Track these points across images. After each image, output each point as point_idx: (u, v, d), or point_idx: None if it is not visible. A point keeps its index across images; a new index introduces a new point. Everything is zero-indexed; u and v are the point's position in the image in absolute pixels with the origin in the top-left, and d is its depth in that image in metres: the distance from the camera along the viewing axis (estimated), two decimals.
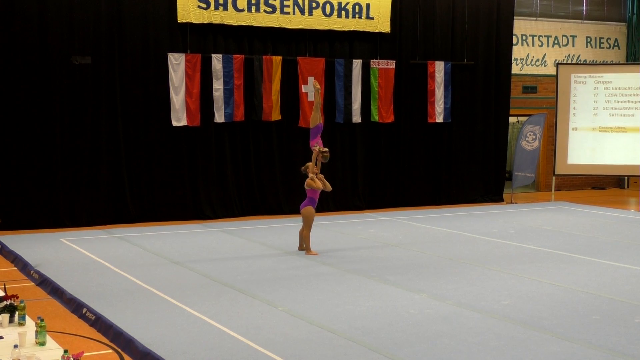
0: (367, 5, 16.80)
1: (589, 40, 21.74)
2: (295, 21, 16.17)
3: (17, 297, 7.09)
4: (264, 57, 15.98)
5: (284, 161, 16.50)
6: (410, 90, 17.68)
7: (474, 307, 8.71)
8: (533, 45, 20.98)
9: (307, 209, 11.69)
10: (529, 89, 20.96)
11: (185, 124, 15.40)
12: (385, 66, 17.17)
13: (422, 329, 7.82)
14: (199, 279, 10.18)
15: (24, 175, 14.30)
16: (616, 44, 22.13)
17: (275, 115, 16.19)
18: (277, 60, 16.08)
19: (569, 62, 21.09)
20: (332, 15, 16.51)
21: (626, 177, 21.86)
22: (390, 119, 17.34)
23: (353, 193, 17.24)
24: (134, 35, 15.03)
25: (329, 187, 11.94)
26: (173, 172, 15.49)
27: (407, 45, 17.58)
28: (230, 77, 15.66)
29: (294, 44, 16.46)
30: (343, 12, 16.60)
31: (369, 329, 7.81)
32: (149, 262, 11.31)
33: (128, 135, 15.08)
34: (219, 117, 15.69)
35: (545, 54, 21.13)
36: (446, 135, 18.12)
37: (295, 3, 16.12)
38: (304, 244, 11.88)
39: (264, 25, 15.91)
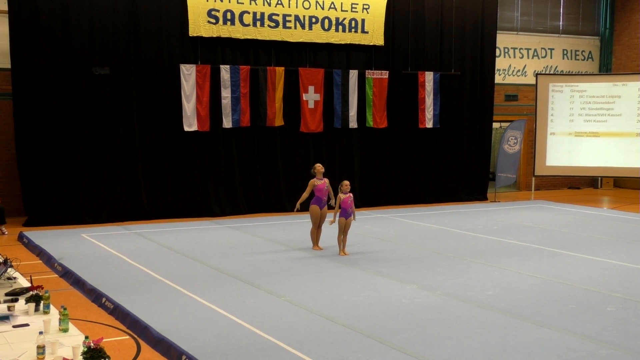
0: (363, 21, 16.80)
1: (565, 52, 21.75)
2: (296, 35, 16.17)
3: (42, 288, 7.10)
4: (268, 67, 15.97)
5: (286, 163, 16.49)
6: (403, 98, 17.67)
7: (460, 297, 8.70)
8: (514, 57, 20.98)
9: (311, 207, 11.60)
10: (511, 97, 20.96)
11: (196, 129, 15.39)
12: (380, 76, 17.16)
13: (414, 317, 7.81)
14: (209, 271, 10.17)
15: (48, 176, 14.29)
16: (590, 56, 22.14)
17: (279, 121, 16.18)
18: (280, 70, 16.07)
19: (547, 72, 21.10)
20: (330, 30, 16.50)
21: (599, 178, 21.87)
22: (384, 124, 17.33)
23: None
24: (149, 48, 15.02)
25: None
26: (185, 173, 15.48)
27: (400, 57, 17.57)
28: (237, 86, 15.65)
29: (296, 55, 16.45)
30: (340, 27, 16.59)
31: (364, 317, 7.80)
32: (162, 255, 11.29)
33: (144, 139, 15.07)
34: (227, 123, 15.68)
35: (525, 65, 21.13)
36: (435, 139, 18.11)
37: (297, 18, 16.12)
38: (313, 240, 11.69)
39: (268, 38, 15.91)
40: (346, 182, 11.27)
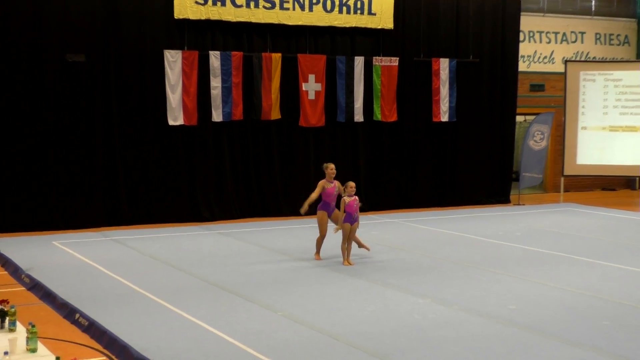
0: (369, 1, 16.79)
1: (598, 36, 21.72)
2: (295, 17, 16.16)
3: (8, 302, 7.07)
4: (263, 54, 15.97)
5: (283, 161, 16.49)
6: (414, 88, 17.66)
7: (479, 311, 8.68)
8: (540, 41, 20.95)
9: (319, 213, 11.59)
10: (537, 87, 20.93)
11: (182, 123, 15.39)
12: (388, 63, 17.15)
13: (426, 335, 7.80)
14: (196, 282, 10.16)
15: (15, 176, 14.28)
16: (626, 41, 22.11)
17: (275, 114, 16.17)
18: (276, 57, 16.06)
19: (578, 59, 21.07)
20: (333, 11, 16.49)
21: (637, 178, 21.82)
22: (393, 117, 17.33)
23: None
24: (129, 32, 15.01)
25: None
26: (170, 173, 15.48)
27: (411, 42, 17.56)
28: (228, 75, 15.64)
29: (294, 40, 16.44)
30: (344, 8, 16.59)
31: (371, 334, 7.79)
32: (144, 265, 11.28)
33: (123, 134, 15.06)
34: (217, 116, 15.67)
35: (553, 51, 21.11)
36: (451, 134, 18.10)
37: None
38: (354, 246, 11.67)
39: (263, 21, 15.90)
40: (351, 184, 11.28)
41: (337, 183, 11.68)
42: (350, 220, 11.16)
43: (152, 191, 15.35)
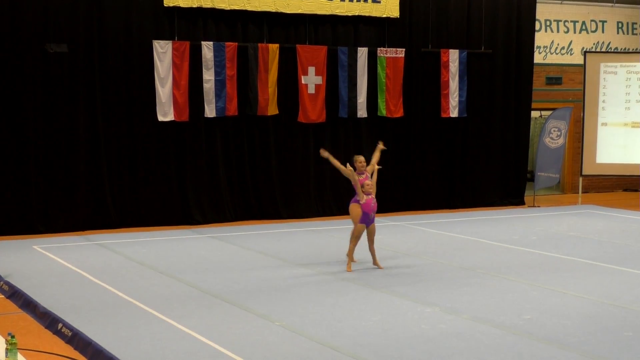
0: None
1: (620, 25, 21.73)
2: (293, 5, 16.18)
3: None
4: (259, 44, 15.99)
5: (281, 160, 16.51)
6: (422, 81, 17.69)
7: (492, 322, 8.70)
8: (558, 31, 20.97)
9: (351, 206, 11.55)
10: (553, 80, 20.95)
11: (173, 119, 15.41)
12: (394, 55, 17.17)
13: (435, 346, 7.81)
14: (188, 290, 10.17)
15: None
16: None
17: (272, 110, 16.20)
18: (274, 48, 16.08)
19: (598, 50, 21.09)
20: None
21: None
22: (399, 113, 17.35)
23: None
24: (115, 21, 15.03)
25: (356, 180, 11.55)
26: (159, 173, 15.50)
27: (418, 32, 17.58)
28: (222, 67, 15.67)
29: (293, 30, 16.47)
30: None
31: (375, 346, 7.80)
32: (131, 271, 11.29)
33: (109, 131, 15.08)
34: (210, 112, 15.70)
35: (571, 41, 21.13)
36: (461, 131, 18.12)
37: None
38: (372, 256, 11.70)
39: (259, 9, 15.92)
40: (360, 158, 11.36)
41: (367, 174, 11.68)
42: (367, 220, 11.25)
43: (140, 192, 15.37)
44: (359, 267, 11.48)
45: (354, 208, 11.47)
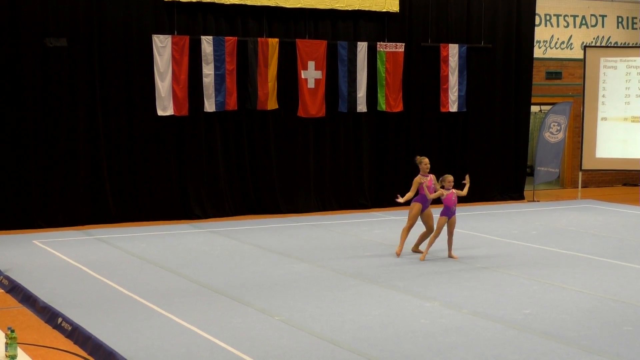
0: None
1: (620, 20, 21.71)
2: None
3: None
4: (259, 39, 15.97)
5: (281, 155, 16.50)
6: (421, 76, 17.68)
7: (491, 316, 8.70)
8: (558, 25, 20.95)
9: (413, 204, 12.05)
10: (553, 75, 20.94)
11: (172, 113, 15.40)
12: (394, 49, 17.15)
13: (435, 341, 7.82)
14: (187, 285, 10.17)
15: None
16: None
17: (272, 104, 16.19)
18: (273, 42, 16.07)
19: (598, 44, 21.07)
20: None
21: None
22: (398, 108, 17.34)
23: (358, 190, 17.24)
24: (114, 15, 15.01)
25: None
26: (158, 167, 15.49)
27: (418, 26, 17.56)
28: (221, 62, 15.65)
29: (293, 24, 16.45)
30: None
31: (375, 341, 7.81)
32: (131, 266, 11.30)
33: (108, 126, 15.07)
34: (209, 106, 15.68)
35: (571, 36, 21.11)
36: (461, 126, 18.12)
37: None
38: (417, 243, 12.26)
39: (259, 3, 15.90)
40: (449, 178, 11.86)
41: (432, 177, 12.03)
42: (449, 213, 11.72)
43: (140, 187, 15.37)
44: (357, 261, 11.46)
45: (414, 205, 11.96)
